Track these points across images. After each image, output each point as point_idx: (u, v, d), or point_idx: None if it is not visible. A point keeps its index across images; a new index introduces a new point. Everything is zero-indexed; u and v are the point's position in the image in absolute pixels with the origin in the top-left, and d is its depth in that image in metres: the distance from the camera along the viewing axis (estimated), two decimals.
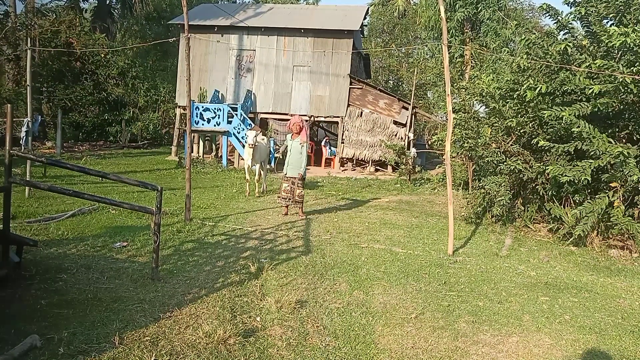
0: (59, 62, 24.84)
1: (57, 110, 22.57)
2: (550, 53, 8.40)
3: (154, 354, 3.59)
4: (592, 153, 7.33)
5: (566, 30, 9.11)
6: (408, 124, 20.20)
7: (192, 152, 11.88)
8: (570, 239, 7.80)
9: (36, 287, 4.78)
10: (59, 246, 6.35)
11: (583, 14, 8.23)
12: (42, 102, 25.82)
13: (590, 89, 7.37)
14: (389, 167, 19.80)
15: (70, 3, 30.88)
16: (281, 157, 11.15)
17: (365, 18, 25.00)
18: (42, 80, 24.97)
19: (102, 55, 25.79)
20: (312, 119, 20.83)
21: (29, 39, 16.80)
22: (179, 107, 21.31)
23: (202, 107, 18.97)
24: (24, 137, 11.72)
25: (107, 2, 35.59)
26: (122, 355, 3.57)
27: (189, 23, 9.17)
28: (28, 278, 4.98)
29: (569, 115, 7.49)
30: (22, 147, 11.96)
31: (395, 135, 20.28)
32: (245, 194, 11.85)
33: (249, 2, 32.79)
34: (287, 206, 9.56)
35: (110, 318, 4.16)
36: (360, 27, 21.75)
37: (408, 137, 20.16)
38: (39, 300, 4.44)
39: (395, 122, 20.41)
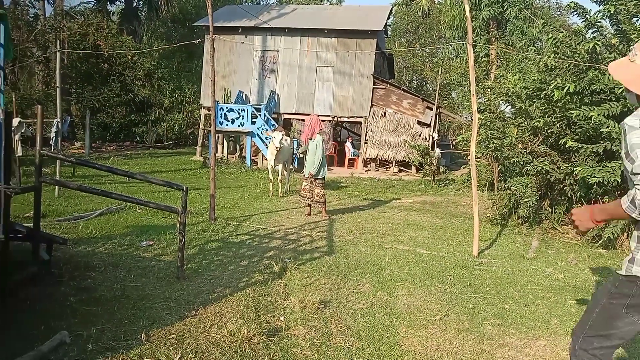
0: (87, 64, 25.36)
1: (86, 111, 23.04)
2: (578, 52, 8.24)
3: (179, 352, 3.63)
4: None
5: (595, 29, 8.90)
6: (432, 124, 20.04)
7: (216, 152, 12.00)
8: (600, 242, 7.63)
9: (65, 284, 4.88)
10: (88, 244, 6.48)
11: (612, 12, 8.04)
12: (71, 104, 26.36)
13: (620, 88, 7.21)
14: (413, 168, 19.67)
15: (98, 6, 31.49)
16: (302, 156, 11.18)
17: (388, 18, 24.90)
18: (71, 81, 25.51)
19: (129, 57, 26.24)
20: (335, 119, 20.82)
21: (58, 41, 17.14)
22: (204, 107, 21.53)
23: (226, 107, 19.15)
24: (54, 138, 11.96)
25: (134, 4, 36.14)
26: (149, 352, 3.62)
27: (214, 24, 9.26)
28: (58, 275, 5.08)
29: (598, 115, 7.34)
30: (52, 148, 12.20)
31: (419, 135, 20.14)
32: (269, 194, 11.91)
33: (272, 3, 32.93)
34: (309, 205, 9.56)
35: (137, 315, 4.22)
36: (383, 27, 21.65)
37: (432, 138, 20.00)
38: (68, 297, 4.52)
39: (419, 122, 20.26)
